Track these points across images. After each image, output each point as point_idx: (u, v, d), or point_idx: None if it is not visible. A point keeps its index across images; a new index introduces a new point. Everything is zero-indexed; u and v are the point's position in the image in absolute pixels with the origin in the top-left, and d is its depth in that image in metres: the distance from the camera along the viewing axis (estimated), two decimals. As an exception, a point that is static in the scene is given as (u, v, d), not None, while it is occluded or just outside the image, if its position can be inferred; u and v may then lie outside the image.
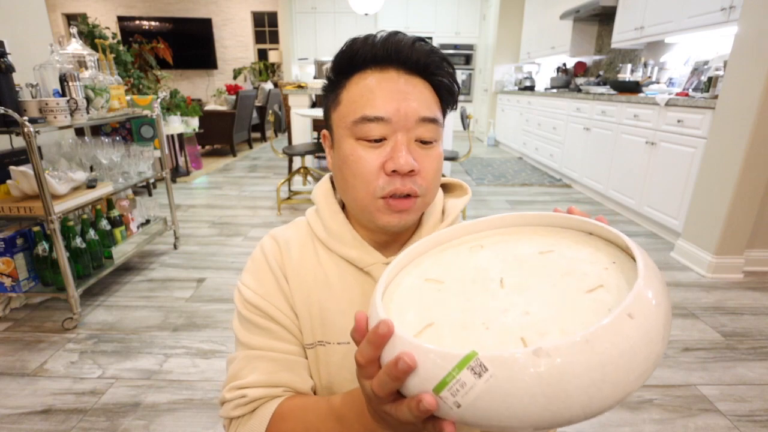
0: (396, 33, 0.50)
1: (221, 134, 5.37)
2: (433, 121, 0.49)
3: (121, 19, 8.12)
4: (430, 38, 7.88)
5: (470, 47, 7.91)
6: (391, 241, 0.56)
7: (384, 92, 0.48)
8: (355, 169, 0.49)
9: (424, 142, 0.50)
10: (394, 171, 0.48)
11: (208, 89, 8.58)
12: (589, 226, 0.40)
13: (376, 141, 0.49)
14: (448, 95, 0.52)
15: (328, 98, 0.54)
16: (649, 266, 0.32)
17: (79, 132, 2.45)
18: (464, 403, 0.28)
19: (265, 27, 8.49)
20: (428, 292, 0.40)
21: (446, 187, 0.63)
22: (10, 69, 1.48)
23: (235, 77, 8.17)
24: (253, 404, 0.51)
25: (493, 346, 0.31)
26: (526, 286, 0.36)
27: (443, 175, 0.58)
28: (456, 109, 0.56)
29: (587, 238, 0.40)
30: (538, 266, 0.39)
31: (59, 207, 1.62)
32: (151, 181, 3.46)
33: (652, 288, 0.30)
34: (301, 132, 3.71)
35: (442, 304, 0.37)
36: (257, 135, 7.12)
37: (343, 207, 0.58)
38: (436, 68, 0.50)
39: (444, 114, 0.54)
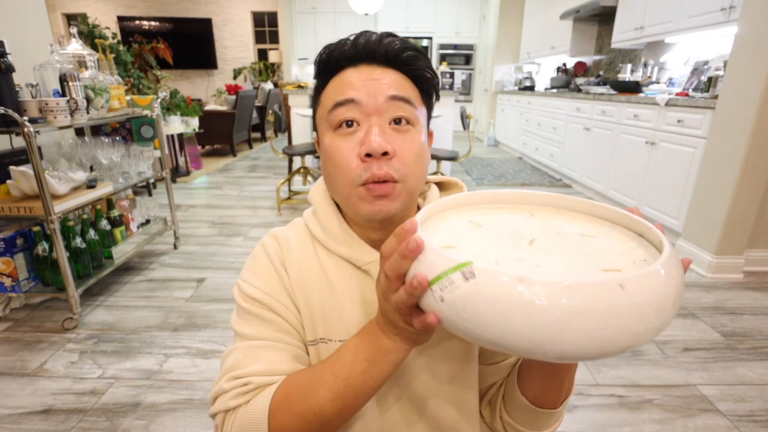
0: (366, 32, 0.52)
1: (221, 134, 5.37)
2: (405, 100, 0.49)
3: (121, 19, 8.12)
4: (430, 38, 7.89)
5: (470, 47, 7.91)
6: (387, 238, 0.56)
7: (355, 80, 0.49)
8: (334, 160, 0.50)
9: (398, 122, 0.49)
10: (368, 155, 0.47)
11: (208, 89, 8.58)
12: (641, 227, 0.41)
13: (348, 125, 0.49)
14: (426, 85, 0.53)
15: (313, 104, 0.56)
16: (671, 260, 0.33)
17: (79, 132, 2.45)
18: (447, 299, 0.33)
19: (265, 27, 8.49)
20: (465, 229, 0.43)
21: (442, 185, 0.63)
22: (10, 69, 1.48)
23: (235, 77, 8.17)
24: (255, 392, 0.49)
25: None
26: (551, 251, 0.38)
27: (442, 173, 0.58)
28: (438, 100, 0.57)
29: (636, 237, 0.41)
30: (572, 243, 0.40)
31: (59, 207, 1.62)
32: (151, 181, 3.46)
33: (657, 277, 0.31)
34: (301, 132, 3.71)
35: (471, 239, 0.41)
36: (257, 135, 7.12)
37: (339, 207, 0.58)
38: (409, 59, 0.51)
39: (427, 107, 0.54)
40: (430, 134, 0.57)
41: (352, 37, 0.52)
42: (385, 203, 0.49)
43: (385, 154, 0.47)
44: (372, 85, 0.49)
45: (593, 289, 0.29)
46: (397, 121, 0.49)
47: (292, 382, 0.48)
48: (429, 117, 0.56)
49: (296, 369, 0.52)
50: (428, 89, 0.54)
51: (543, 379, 0.51)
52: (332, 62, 0.52)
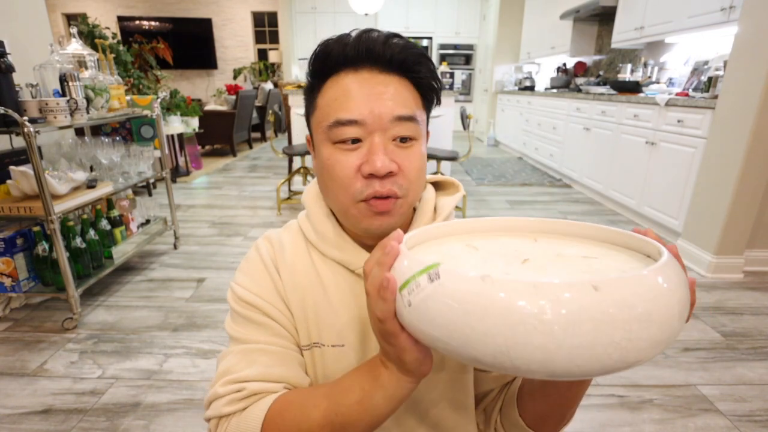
0: (369, 31, 0.48)
1: (221, 134, 5.37)
2: (410, 119, 0.48)
3: (121, 19, 8.11)
4: (430, 38, 7.89)
5: (470, 47, 7.91)
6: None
7: (357, 94, 0.47)
8: (333, 174, 0.48)
9: (402, 140, 0.48)
10: (371, 174, 0.46)
11: (208, 89, 8.57)
12: (649, 247, 0.37)
13: (353, 142, 0.47)
14: (428, 91, 0.51)
15: (307, 103, 0.53)
16: (664, 270, 0.30)
17: (79, 132, 2.45)
18: (414, 302, 0.32)
19: (265, 27, 8.48)
20: (460, 251, 0.42)
21: (438, 185, 0.62)
22: (10, 69, 1.48)
23: (235, 77, 8.16)
24: (249, 400, 0.47)
25: None
26: (543, 268, 0.36)
27: (442, 173, 0.57)
28: (440, 104, 0.55)
29: (644, 258, 0.38)
30: (571, 263, 0.38)
31: (59, 207, 1.62)
32: (151, 181, 3.46)
33: (639, 282, 0.28)
34: (301, 132, 3.70)
35: (462, 258, 0.40)
36: (257, 135, 7.11)
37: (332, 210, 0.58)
38: (413, 64, 0.48)
39: (427, 111, 0.53)
40: (427, 134, 0.56)
41: (353, 34, 0.48)
42: (386, 219, 0.49)
43: (389, 173, 0.47)
44: (376, 102, 0.46)
45: (562, 288, 0.26)
46: (402, 139, 0.48)
47: (288, 399, 0.47)
48: (428, 119, 0.54)
49: (291, 372, 0.51)
50: (430, 95, 0.52)
51: (545, 405, 0.49)
52: (330, 63, 0.48)
